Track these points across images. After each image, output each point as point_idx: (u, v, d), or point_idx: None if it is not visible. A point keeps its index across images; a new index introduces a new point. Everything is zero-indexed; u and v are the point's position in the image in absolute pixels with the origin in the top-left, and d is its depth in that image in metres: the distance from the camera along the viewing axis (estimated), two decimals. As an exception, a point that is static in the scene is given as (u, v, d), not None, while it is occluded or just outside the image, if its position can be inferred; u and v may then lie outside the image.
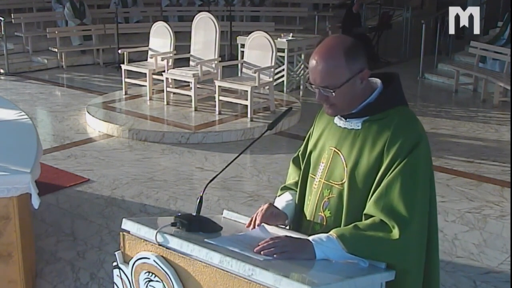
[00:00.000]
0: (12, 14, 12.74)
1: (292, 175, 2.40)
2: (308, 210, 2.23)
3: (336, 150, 2.15)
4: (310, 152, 2.27)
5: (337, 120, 2.19)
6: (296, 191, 2.33)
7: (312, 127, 2.35)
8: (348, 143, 2.12)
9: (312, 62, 2.06)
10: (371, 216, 2.00)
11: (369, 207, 2.02)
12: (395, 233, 1.95)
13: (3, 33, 11.41)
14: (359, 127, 2.11)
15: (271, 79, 8.17)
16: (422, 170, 2.03)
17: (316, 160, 2.23)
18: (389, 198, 1.98)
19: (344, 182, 2.10)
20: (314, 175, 2.22)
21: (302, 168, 2.31)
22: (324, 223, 2.16)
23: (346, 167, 2.10)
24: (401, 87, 2.16)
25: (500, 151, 6.95)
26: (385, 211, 1.97)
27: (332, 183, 2.14)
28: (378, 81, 2.15)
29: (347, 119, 2.14)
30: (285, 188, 2.39)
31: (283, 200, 2.34)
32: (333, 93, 2.04)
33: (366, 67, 2.08)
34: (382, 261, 1.97)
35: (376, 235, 1.96)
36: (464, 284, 4.13)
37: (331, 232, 2.00)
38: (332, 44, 2.06)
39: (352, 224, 2.01)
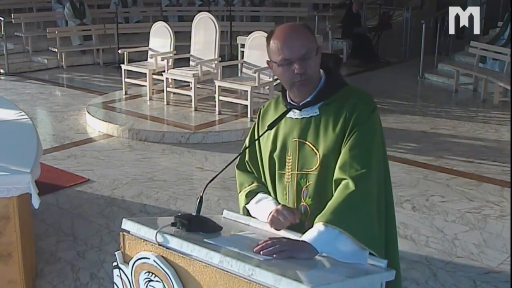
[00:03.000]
0: (12, 14, 12.73)
1: (247, 181, 2.39)
2: (289, 204, 2.26)
3: (301, 140, 2.23)
4: (271, 152, 2.30)
5: (290, 114, 2.27)
6: (265, 191, 2.34)
7: (256, 131, 2.39)
8: (311, 130, 2.21)
9: (284, 40, 2.14)
10: (339, 181, 2.11)
11: (336, 173, 2.13)
12: (352, 185, 2.06)
13: (3, 33, 11.40)
14: (317, 113, 2.22)
15: (271, 79, 8.16)
16: (377, 133, 2.18)
17: (280, 156, 2.28)
18: (348, 158, 2.11)
19: (319, 166, 2.18)
20: (283, 171, 2.27)
21: (267, 169, 2.32)
22: (309, 212, 2.21)
23: (318, 151, 2.19)
24: (339, 72, 2.32)
25: (500, 151, 6.94)
26: (347, 171, 2.09)
27: (306, 171, 2.21)
28: (320, 70, 2.26)
29: (303, 109, 2.24)
30: (252, 194, 2.35)
31: (265, 201, 2.31)
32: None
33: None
34: (357, 219, 2.04)
35: (343, 197, 2.06)
36: (464, 284, 4.13)
37: (316, 224, 2.05)
38: (292, 24, 2.21)
39: (327, 204, 2.09)
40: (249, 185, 2.37)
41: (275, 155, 2.29)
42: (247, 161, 2.42)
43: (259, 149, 2.38)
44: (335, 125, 2.17)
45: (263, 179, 2.38)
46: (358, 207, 2.05)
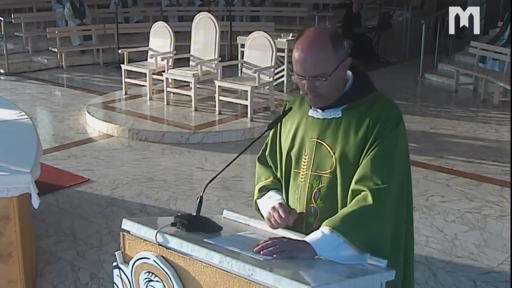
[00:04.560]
0: (12, 14, 12.73)
1: (264, 175, 2.40)
2: (300, 204, 2.24)
3: (319, 141, 2.20)
4: (289, 149, 2.29)
5: (312, 113, 2.24)
6: (277, 189, 2.34)
7: (279, 126, 2.37)
8: (330, 132, 2.18)
9: (300, 54, 2.10)
10: (357, 192, 2.07)
11: (353, 183, 2.09)
12: (370, 199, 2.03)
13: (3, 33, 11.40)
14: (340, 115, 2.18)
15: (271, 79, 8.17)
16: (401, 147, 2.13)
17: (297, 155, 2.26)
18: (370, 171, 2.06)
19: (334, 169, 2.15)
20: (298, 170, 2.25)
21: (284, 166, 2.31)
22: (318, 214, 2.19)
23: (334, 154, 2.15)
24: (369, 76, 2.26)
25: (500, 151, 6.95)
26: (366, 184, 2.05)
27: (320, 173, 2.18)
28: (348, 72, 2.22)
29: (325, 110, 2.20)
30: (265, 189, 2.36)
31: (273, 200, 2.31)
32: (325, 81, 2.09)
33: (347, 56, 2.16)
34: (367, 233, 2.01)
35: (358, 208, 2.03)
36: (464, 284, 4.13)
37: (322, 227, 2.03)
38: (317, 35, 2.12)
39: (340, 211, 2.07)
40: (265, 180, 2.38)
41: (293, 152, 2.27)
42: (267, 155, 2.42)
43: (279, 144, 2.36)
44: (356, 130, 2.12)
45: (279, 175, 2.37)
46: (371, 223, 2.01)
